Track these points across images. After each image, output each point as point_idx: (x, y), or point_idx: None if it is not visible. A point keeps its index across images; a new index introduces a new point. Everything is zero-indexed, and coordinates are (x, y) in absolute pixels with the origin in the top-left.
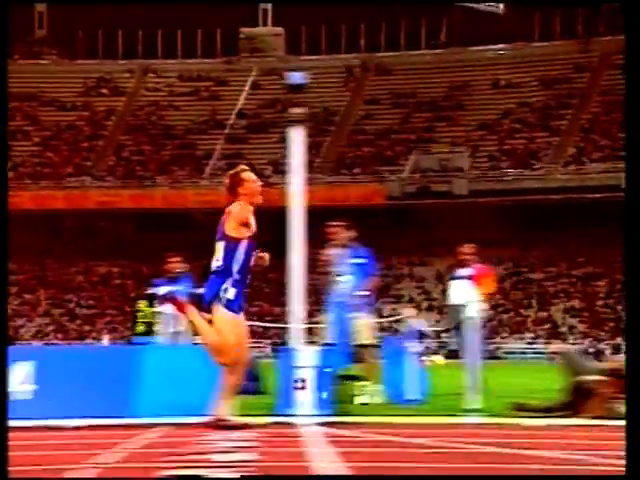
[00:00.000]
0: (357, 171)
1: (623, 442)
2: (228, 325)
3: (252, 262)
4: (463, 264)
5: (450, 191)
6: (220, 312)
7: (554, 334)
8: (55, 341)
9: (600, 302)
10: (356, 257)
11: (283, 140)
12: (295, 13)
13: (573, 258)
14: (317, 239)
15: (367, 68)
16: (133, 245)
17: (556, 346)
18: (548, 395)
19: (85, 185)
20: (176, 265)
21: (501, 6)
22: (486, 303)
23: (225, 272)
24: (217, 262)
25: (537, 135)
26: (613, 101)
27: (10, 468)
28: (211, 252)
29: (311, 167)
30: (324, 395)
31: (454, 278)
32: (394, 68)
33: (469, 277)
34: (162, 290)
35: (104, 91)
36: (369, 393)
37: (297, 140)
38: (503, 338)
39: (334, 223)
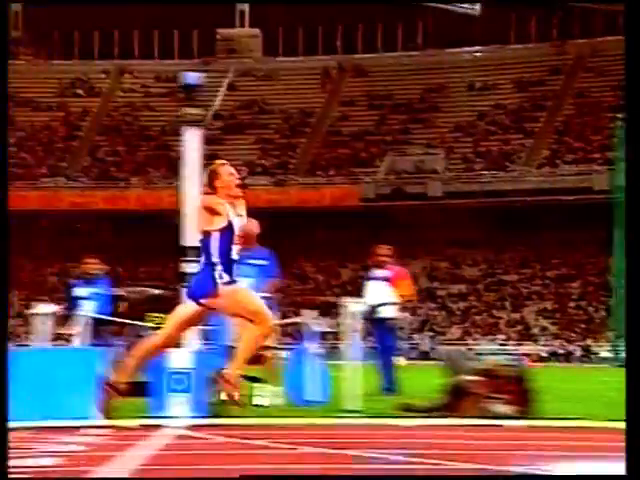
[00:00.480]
0: (332, 172)
1: (469, 441)
2: (245, 295)
3: (236, 247)
4: (378, 265)
5: (424, 193)
6: (226, 291)
7: (526, 336)
8: (27, 343)
9: (572, 304)
10: (256, 259)
11: (259, 142)
12: (272, 14)
13: (547, 260)
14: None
15: (343, 69)
16: (108, 246)
17: (527, 348)
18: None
19: (59, 186)
20: (93, 266)
21: (477, 8)
22: (402, 305)
23: (208, 266)
24: (201, 260)
25: (511, 137)
26: (587, 104)
27: None
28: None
29: (286, 168)
30: (205, 397)
31: (369, 279)
32: (370, 70)
33: (385, 278)
34: (78, 292)
35: (79, 92)
36: (268, 395)
37: (192, 142)
38: (475, 340)
39: None
